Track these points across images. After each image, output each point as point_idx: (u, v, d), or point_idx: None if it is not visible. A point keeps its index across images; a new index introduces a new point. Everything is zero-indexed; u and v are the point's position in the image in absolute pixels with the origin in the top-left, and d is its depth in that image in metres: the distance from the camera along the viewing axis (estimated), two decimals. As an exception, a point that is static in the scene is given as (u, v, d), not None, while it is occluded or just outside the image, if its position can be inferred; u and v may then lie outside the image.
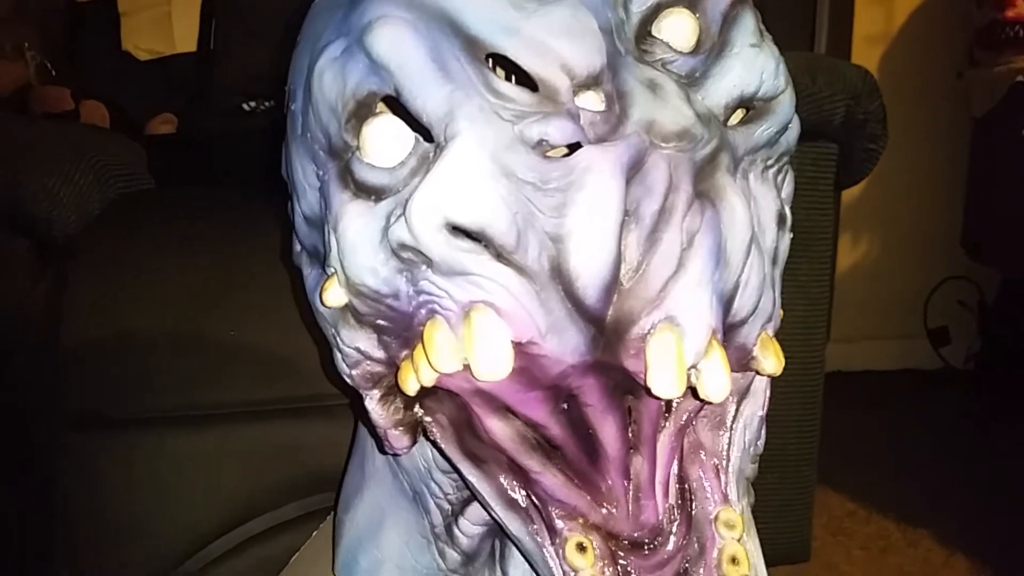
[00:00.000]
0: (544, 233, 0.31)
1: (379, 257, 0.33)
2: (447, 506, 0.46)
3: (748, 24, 0.38)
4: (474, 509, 0.44)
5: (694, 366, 0.32)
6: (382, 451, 0.41)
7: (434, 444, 0.39)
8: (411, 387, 0.35)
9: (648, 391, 0.32)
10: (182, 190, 1.04)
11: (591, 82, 0.33)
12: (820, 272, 0.91)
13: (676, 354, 0.31)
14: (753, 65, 0.37)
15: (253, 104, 1.42)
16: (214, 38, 1.47)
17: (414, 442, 0.39)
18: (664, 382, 0.31)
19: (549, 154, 0.32)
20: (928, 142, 2.00)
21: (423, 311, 0.33)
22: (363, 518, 0.52)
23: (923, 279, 2.12)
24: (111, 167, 0.95)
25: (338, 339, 0.37)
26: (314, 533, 0.68)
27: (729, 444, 0.40)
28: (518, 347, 0.32)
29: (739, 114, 0.39)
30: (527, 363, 0.32)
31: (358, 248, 0.33)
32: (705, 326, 0.32)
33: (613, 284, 0.31)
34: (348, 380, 0.38)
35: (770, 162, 0.39)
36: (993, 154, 1.84)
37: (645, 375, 0.32)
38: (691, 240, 0.32)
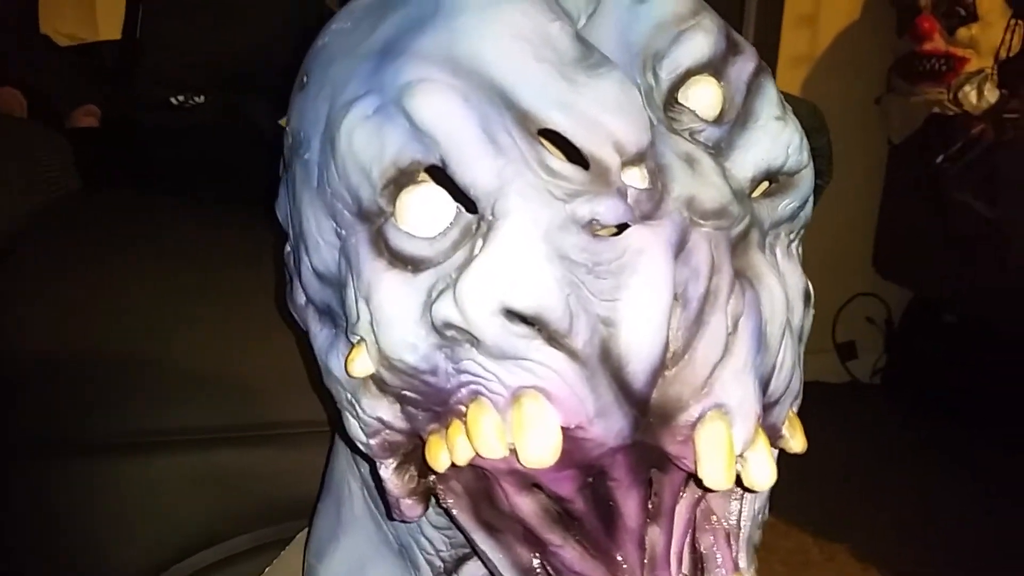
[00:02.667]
0: (596, 316, 0.30)
1: (419, 333, 0.31)
2: (439, 563, 0.44)
3: (771, 95, 0.38)
4: (470, 568, 0.43)
5: (740, 454, 0.32)
6: (391, 518, 0.39)
7: (446, 512, 0.38)
8: (442, 464, 0.33)
9: (694, 478, 0.31)
10: (117, 193, 0.99)
11: (637, 159, 0.32)
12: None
13: (727, 444, 0.31)
14: (779, 139, 0.37)
15: (182, 98, 1.36)
16: (140, 25, 1.40)
17: (426, 510, 0.38)
18: (716, 473, 0.31)
19: (598, 233, 0.31)
20: (845, 163, 2.06)
21: (464, 391, 0.32)
22: (340, 567, 0.50)
23: (833, 295, 2.19)
24: (42, 167, 0.90)
25: (357, 407, 0.35)
26: (267, 569, 0.65)
27: (740, 511, 0.40)
28: (564, 431, 0.31)
29: (762, 186, 0.38)
30: (570, 446, 0.31)
31: (395, 322, 0.32)
32: (753, 415, 0.31)
33: (661, 368, 0.31)
34: (364, 448, 0.36)
35: (792, 235, 0.39)
36: (908, 180, 1.92)
37: (696, 464, 0.31)
38: (735, 324, 0.32)
